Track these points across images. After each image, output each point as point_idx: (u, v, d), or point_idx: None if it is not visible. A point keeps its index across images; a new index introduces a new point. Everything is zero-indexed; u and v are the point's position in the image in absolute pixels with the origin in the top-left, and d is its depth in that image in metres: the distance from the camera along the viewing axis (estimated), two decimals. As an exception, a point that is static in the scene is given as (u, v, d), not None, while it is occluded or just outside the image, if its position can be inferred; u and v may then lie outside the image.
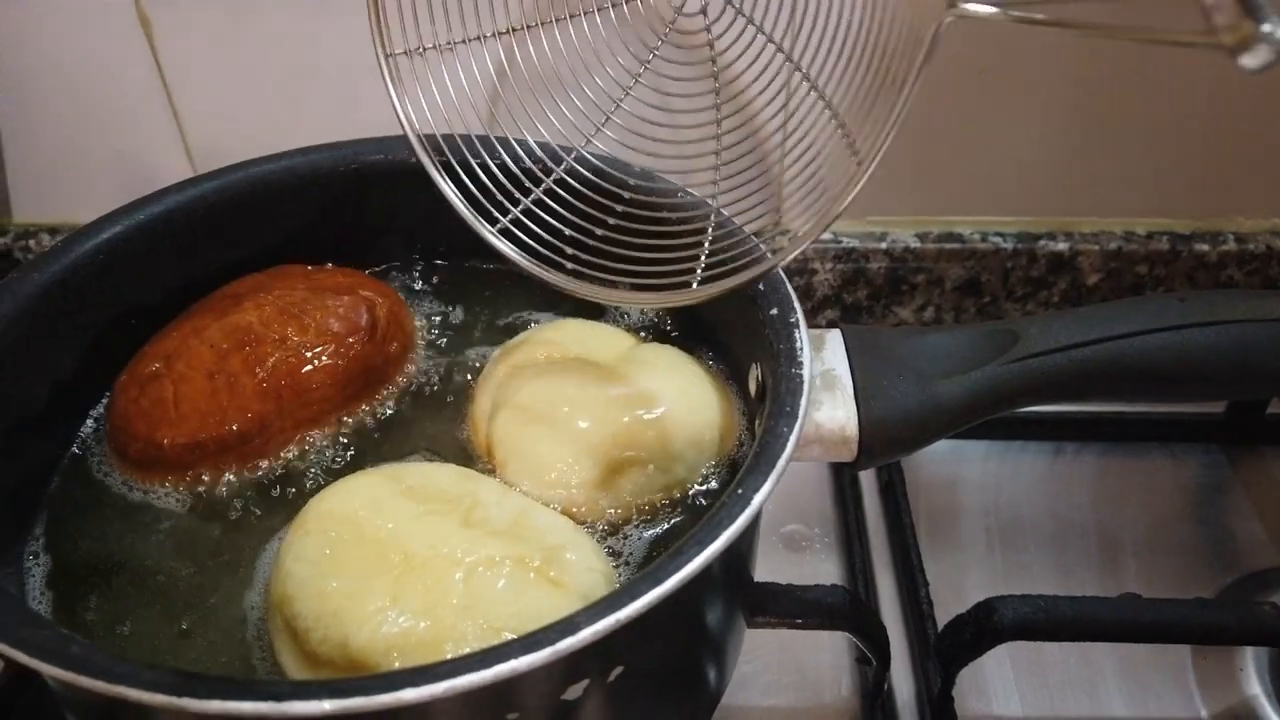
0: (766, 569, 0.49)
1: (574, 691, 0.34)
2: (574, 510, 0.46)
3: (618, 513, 0.46)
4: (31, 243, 0.77)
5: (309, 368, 0.49)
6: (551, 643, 0.30)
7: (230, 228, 0.52)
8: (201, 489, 0.48)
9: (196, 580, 0.44)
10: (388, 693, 0.29)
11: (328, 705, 0.29)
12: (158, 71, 0.70)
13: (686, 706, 0.45)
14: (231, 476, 0.48)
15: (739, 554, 0.43)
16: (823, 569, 0.63)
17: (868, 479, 0.68)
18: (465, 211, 0.49)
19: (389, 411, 0.52)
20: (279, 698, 0.29)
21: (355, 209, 0.55)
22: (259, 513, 0.47)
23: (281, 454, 0.49)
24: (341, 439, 0.50)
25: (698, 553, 0.33)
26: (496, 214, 0.49)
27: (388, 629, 0.39)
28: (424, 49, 0.50)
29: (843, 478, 0.68)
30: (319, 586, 0.41)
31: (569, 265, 0.47)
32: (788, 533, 0.65)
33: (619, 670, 0.35)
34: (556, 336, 0.52)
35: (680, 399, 0.48)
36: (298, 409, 0.49)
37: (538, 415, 0.47)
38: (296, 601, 0.40)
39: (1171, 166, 0.74)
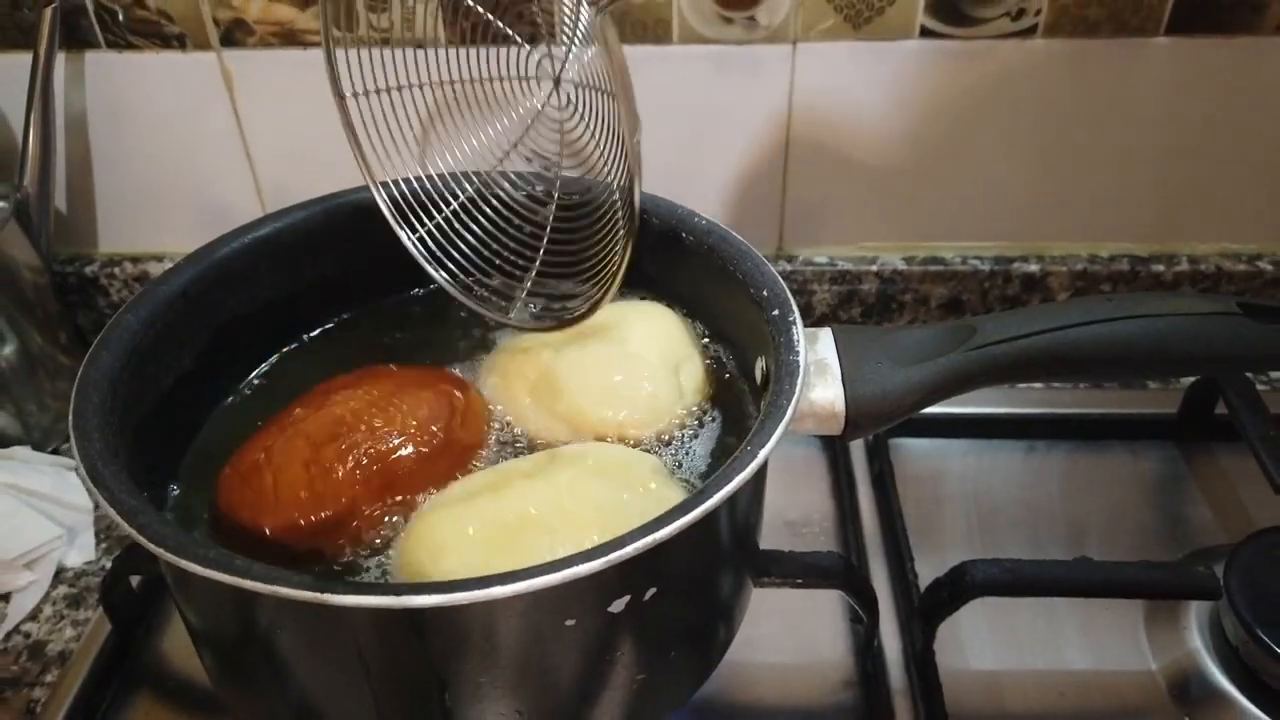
0: (772, 547, 0.57)
1: (618, 605, 0.43)
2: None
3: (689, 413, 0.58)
4: (116, 270, 0.86)
5: (398, 454, 0.53)
6: (605, 554, 0.39)
7: (318, 249, 0.61)
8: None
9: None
10: (482, 589, 0.38)
11: (436, 599, 0.37)
12: (235, 119, 0.80)
13: (702, 644, 0.53)
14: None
15: (747, 513, 0.52)
16: (821, 548, 0.71)
17: (861, 472, 0.76)
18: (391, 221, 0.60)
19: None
20: (399, 593, 0.37)
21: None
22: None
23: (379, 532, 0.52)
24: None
25: (715, 491, 0.41)
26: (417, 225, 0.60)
27: None
28: (369, 92, 0.58)
29: (839, 471, 0.76)
30: None
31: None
32: (790, 519, 0.73)
33: (653, 590, 0.44)
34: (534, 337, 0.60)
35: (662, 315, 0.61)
36: (385, 492, 0.52)
37: (602, 379, 0.57)
38: None
39: (1131, 196, 0.82)
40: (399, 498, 0.53)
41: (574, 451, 0.54)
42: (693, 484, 0.54)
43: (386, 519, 0.52)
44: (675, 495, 0.51)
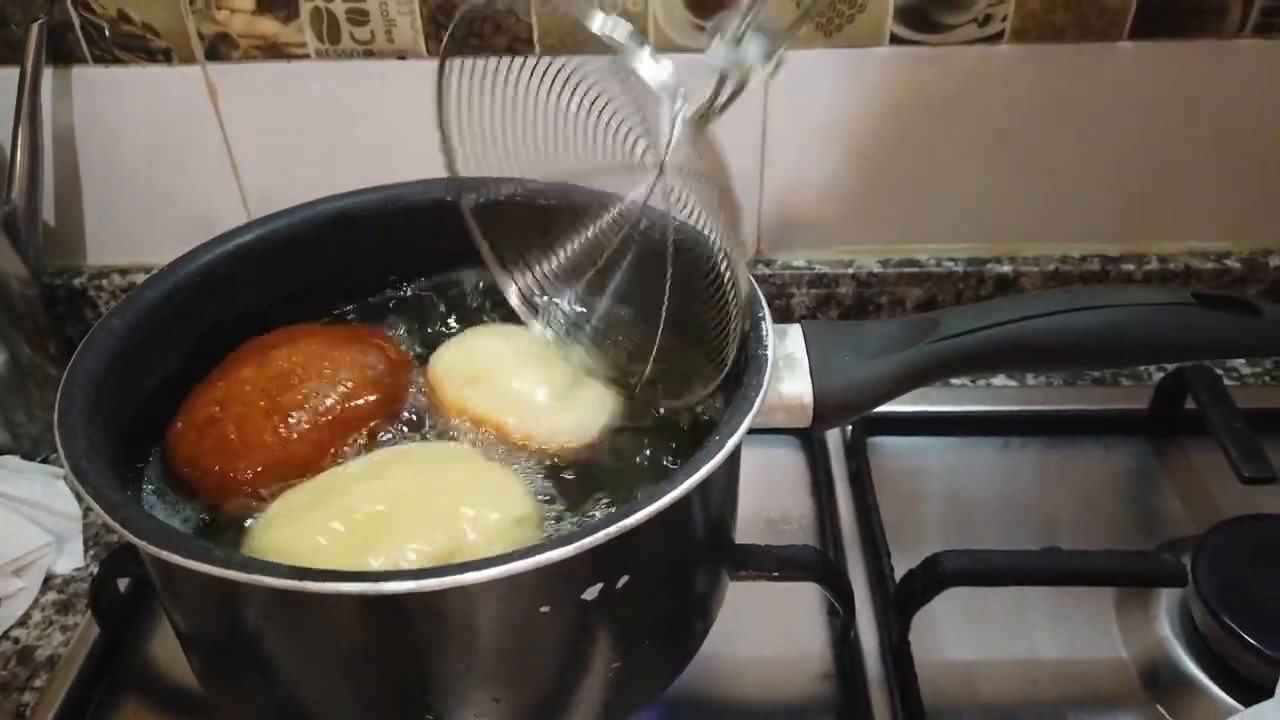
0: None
1: (591, 593, 0.44)
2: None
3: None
4: (104, 282, 0.87)
5: (354, 399, 0.56)
6: (576, 540, 0.40)
7: (298, 255, 0.62)
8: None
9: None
10: (457, 575, 0.39)
11: (411, 585, 0.38)
12: (221, 131, 0.81)
13: (678, 635, 0.54)
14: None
15: (721, 505, 0.53)
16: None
17: (839, 470, 0.77)
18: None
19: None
20: (375, 579, 0.39)
21: (398, 238, 0.65)
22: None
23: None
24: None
25: (684, 480, 0.43)
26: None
27: None
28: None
29: (818, 469, 0.77)
30: None
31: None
32: (770, 517, 0.75)
33: (626, 579, 0.45)
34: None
35: None
36: (344, 433, 0.55)
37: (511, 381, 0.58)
38: None
39: (1101, 197, 0.84)
40: (350, 437, 0.55)
41: (398, 450, 0.55)
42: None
43: (337, 453, 0.55)
44: (501, 469, 0.53)
